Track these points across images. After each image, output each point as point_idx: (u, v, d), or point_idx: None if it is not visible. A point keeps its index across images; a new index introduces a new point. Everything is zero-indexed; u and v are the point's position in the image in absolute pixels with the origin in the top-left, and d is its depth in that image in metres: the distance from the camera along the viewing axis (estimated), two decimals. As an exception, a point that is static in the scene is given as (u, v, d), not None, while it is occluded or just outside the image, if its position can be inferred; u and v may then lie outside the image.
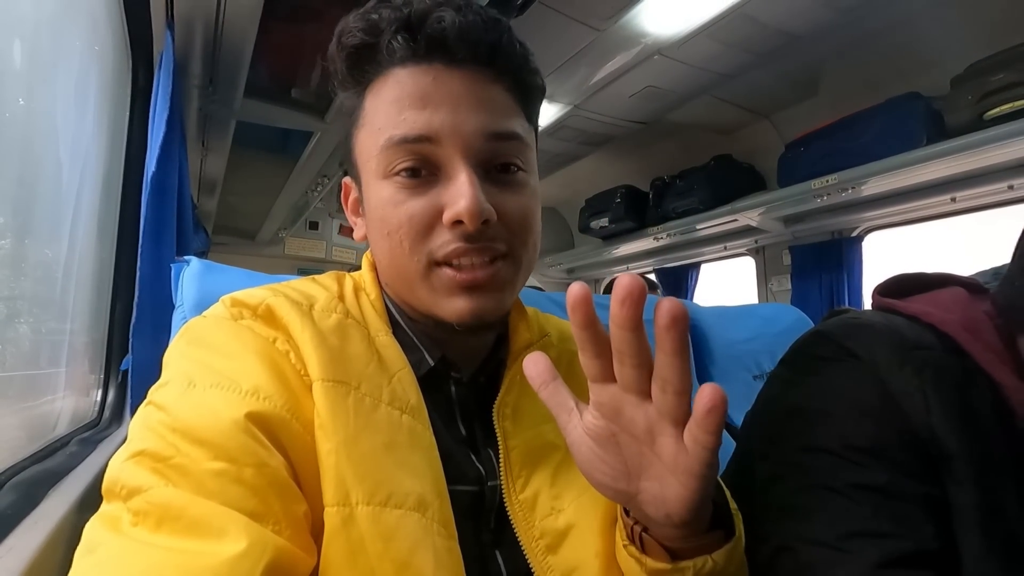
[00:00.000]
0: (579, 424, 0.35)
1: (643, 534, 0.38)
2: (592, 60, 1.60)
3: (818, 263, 2.19)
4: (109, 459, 0.33)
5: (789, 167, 1.95)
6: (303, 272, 0.73)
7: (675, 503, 0.33)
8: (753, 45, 1.54)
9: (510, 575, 0.41)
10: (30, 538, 0.47)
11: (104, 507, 0.32)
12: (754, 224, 2.17)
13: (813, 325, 0.60)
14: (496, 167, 0.42)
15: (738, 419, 0.74)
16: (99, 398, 1.13)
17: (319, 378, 0.38)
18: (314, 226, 3.64)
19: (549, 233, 3.28)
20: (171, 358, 0.39)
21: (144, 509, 0.30)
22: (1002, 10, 1.44)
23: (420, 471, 0.38)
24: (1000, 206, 1.73)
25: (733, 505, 0.42)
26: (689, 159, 2.33)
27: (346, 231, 3.74)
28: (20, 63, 0.72)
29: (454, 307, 0.42)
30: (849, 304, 2.11)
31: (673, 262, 2.91)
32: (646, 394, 0.32)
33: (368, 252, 0.51)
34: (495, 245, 0.42)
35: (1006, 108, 1.39)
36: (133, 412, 0.42)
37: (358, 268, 0.52)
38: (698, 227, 2.32)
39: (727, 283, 2.86)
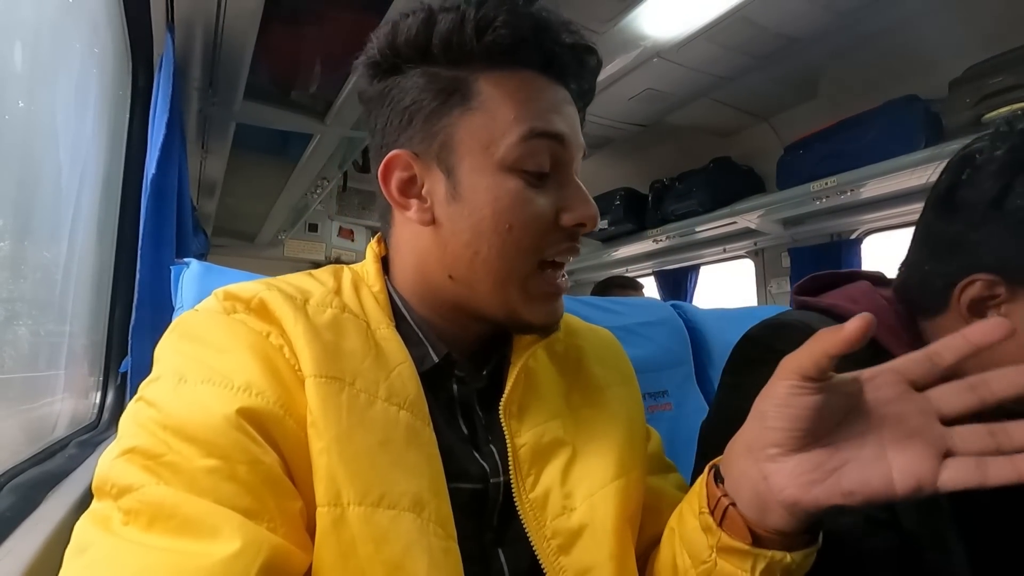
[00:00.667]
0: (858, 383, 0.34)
1: (730, 507, 0.36)
2: (591, 63, 1.59)
3: (817, 265, 2.18)
4: (106, 460, 0.33)
5: (788, 169, 1.94)
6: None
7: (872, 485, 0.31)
8: (752, 48, 1.54)
9: (513, 574, 0.41)
10: (29, 540, 0.47)
11: (95, 505, 0.31)
12: (753, 226, 2.17)
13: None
14: None
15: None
16: (98, 400, 1.12)
17: (312, 374, 0.37)
18: (313, 228, 3.62)
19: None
20: (162, 352, 0.38)
21: (135, 508, 0.29)
22: (1000, 13, 1.44)
23: (417, 469, 0.37)
24: (998, 208, 1.73)
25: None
26: (688, 161, 2.33)
27: (345, 233, 3.73)
28: (21, 66, 0.72)
29: (545, 310, 0.44)
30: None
31: (672, 264, 2.90)
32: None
33: (374, 243, 0.50)
34: None
35: (1004, 111, 1.39)
36: (132, 414, 0.42)
37: None
38: (697, 229, 2.31)
39: (726, 285, 2.86)
